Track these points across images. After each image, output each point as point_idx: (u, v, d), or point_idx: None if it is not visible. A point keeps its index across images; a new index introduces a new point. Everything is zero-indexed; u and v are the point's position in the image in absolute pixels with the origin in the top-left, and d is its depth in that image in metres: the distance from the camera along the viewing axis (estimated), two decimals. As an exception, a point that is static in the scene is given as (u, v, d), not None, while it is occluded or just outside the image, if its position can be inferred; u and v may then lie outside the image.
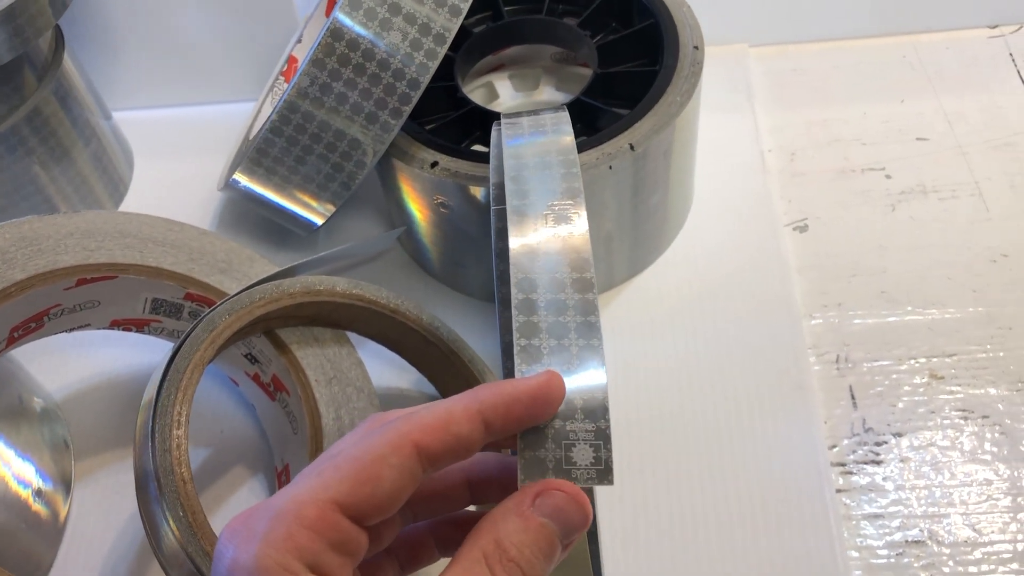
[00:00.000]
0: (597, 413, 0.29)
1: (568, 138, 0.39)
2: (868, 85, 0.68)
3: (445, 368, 0.50)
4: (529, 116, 0.42)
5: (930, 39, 0.70)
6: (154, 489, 0.38)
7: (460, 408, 0.28)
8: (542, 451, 0.28)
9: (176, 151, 0.71)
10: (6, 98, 0.57)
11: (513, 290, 0.32)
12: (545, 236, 0.34)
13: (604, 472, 0.28)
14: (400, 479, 0.27)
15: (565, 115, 0.42)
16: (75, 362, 0.58)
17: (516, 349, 0.30)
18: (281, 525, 0.26)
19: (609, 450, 0.28)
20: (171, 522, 0.38)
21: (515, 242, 0.34)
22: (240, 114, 0.70)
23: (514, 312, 0.31)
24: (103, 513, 0.52)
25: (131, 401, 0.56)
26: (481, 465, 0.33)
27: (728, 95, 0.67)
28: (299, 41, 0.65)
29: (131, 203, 0.68)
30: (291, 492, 0.27)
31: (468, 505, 0.33)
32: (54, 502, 0.51)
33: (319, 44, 0.46)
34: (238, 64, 0.70)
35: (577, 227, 0.34)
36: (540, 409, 0.28)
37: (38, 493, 0.50)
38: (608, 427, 0.29)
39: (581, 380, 0.29)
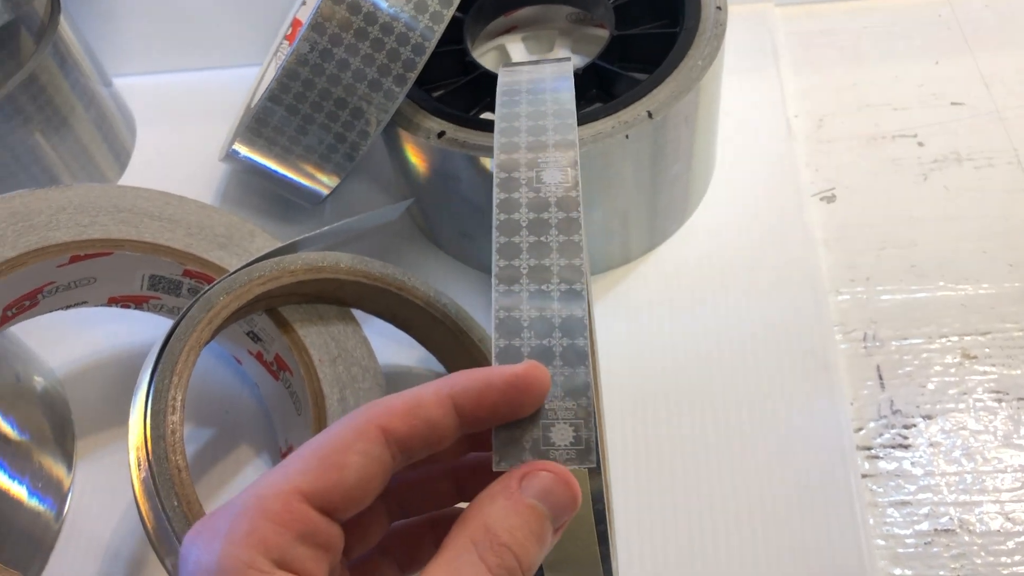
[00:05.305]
0: (579, 391, 0.27)
1: (567, 93, 0.37)
2: (900, 46, 0.64)
3: (454, 346, 0.48)
4: (529, 67, 0.40)
5: (967, -4, 0.66)
6: (148, 477, 0.37)
7: (430, 393, 0.27)
8: (518, 430, 0.27)
9: (180, 118, 0.69)
10: (1, 64, 0.55)
11: (495, 244, 0.31)
12: (531, 188, 0.32)
13: (584, 452, 0.27)
14: (367, 465, 0.25)
15: (568, 66, 0.40)
16: (77, 337, 0.57)
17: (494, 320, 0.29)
18: (244, 521, 0.24)
19: (591, 429, 0.27)
20: (166, 511, 0.36)
21: (499, 193, 0.32)
22: (246, 79, 0.68)
23: (495, 256, 0.30)
24: (105, 492, 0.51)
25: (135, 377, 0.55)
26: (463, 457, 0.31)
27: (752, 58, 0.64)
28: (303, 3, 0.62)
29: (133, 172, 0.66)
30: (254, 488, 0.25)
31: (457, 501, 0.32)
32: (56, 482, 0.50)
33: (319, 7, 0.43)
34: (242, 27, 0.68)
35: (567, 178, 0.32)
36: (517, 398, 0.27)
37: (38, 472, 0.49)
38: (590, 404, 0.27)
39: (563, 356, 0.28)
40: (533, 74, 0.39)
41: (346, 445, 0.25)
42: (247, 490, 0.25)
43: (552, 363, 0.28)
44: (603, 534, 0.30)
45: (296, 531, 0.24)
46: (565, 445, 0.27)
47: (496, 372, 0.27)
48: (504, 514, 0.26)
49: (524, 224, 0.32)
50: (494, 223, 0.32)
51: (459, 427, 0.27)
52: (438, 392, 0.26)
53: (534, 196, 0.32)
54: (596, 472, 0.31)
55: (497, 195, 0.32)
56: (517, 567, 0.25)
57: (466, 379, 0.27)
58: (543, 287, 0.30)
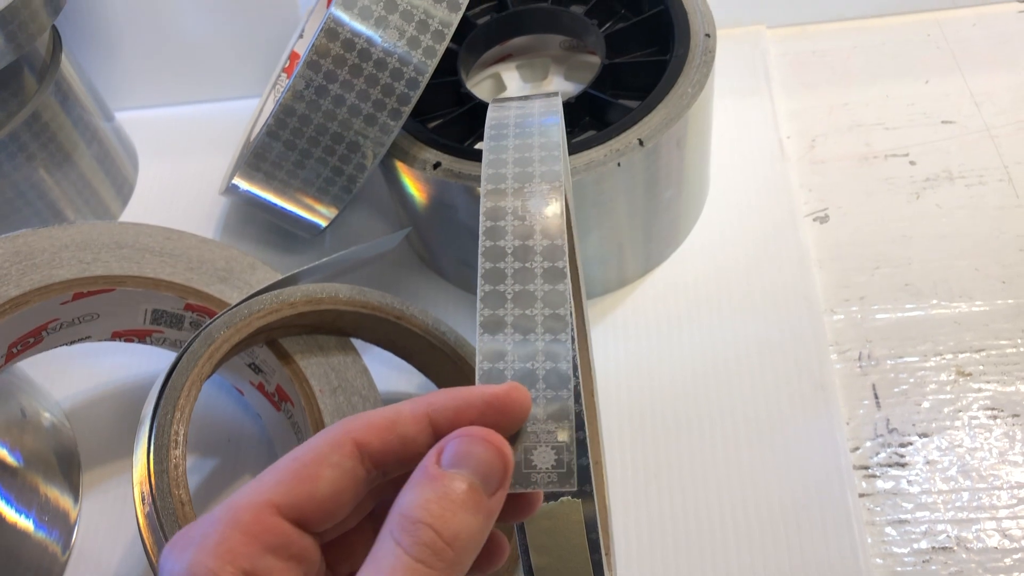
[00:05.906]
0: (562, 414, 0.28)
1: (555, 127, 0.38)
2: (891, 66, 0.65)
3: (453, 373, 0.49)
4: (518, 102, 0.41)
5: (956, 16, 0.67)
6: (152, 512, 0.37)
7: (407, 409, 0.27)
8: None
9: (181, 150, 0.70)
10: (4, 104, 0.56)
11: (480, 259, 0.31)
12: (516, 217, 0.33)
13: (566, 476, 0.27)
14: (340, 478, 0.25)
15: (556, 101, 0.40)
16: (82, 371, 0.57)
17: (479, 332, 0.29)
18: (215, 531, 0.24)
19: (572, 452, 0.27)
20: (170, 545, 0.37)
21: (486, 221, 0.33)
22: (246, 111, 0.69)
23: (479, 282, 0.30)
24: (112, 524, 0.51)
25: (139, 409, 0.56)
26: None
27: (745, 79, 0.65)
28: (301, 36, 0.63)
29: (136, 205, 0.67)
30: (230, 500, 0.26)
31: None
32: (62, 513, 0.51)
33: (313, 45, 0.44)
34: (241, 60, 0.69)
35: (551, 207, 0.33)
36: (495, 419, 0.26)
37: (45, 504, 0.50)
38: (573, 428, 0.27)
39: (546, 377, 0.28)
40: (521, 109, 0.40)
41: (320, 458, 0.26)
42: (223, 503, 0.26)
43: (535, 386, 0.28)
44: (598, 563, 0.30)
45: (265, 542, 0.25)
46: (547, 468, 0.27)
47: (476, 392, 0.27)
48: (417, 492, 0.25)
49: (509, 251, 0.32)
50: (479, 250, 0.32)
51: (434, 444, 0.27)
52: (415, 409, 0.27)
53: (519, 224, 0.33)
54: (588, 499, 0.32)
55: (483, 223, 0.33)
56: (437, 539, 0.24)
57: (445, 397, 0.27)
58: (527, 312, 0.30)
